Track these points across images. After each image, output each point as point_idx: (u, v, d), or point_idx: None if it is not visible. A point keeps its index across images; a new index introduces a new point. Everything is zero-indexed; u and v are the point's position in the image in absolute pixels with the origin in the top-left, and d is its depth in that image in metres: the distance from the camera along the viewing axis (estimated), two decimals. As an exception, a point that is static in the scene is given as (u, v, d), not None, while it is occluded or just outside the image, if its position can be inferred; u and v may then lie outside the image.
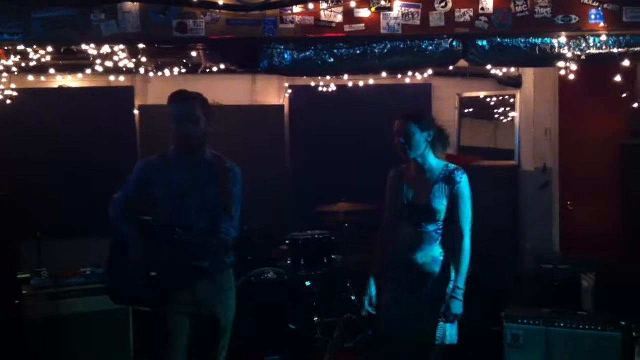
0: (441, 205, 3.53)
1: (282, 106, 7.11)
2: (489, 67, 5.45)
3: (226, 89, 6.81)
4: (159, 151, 3.56)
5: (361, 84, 6.72)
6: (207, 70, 5.99)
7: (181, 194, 3.41)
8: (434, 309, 3.52)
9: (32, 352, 4.88)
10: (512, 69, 6.09)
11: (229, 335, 3.58)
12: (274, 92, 7.16)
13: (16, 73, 5.81)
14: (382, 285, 3.75)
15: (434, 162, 3.61)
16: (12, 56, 5.25)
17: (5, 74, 5.92)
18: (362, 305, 3.72)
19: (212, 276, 3.40)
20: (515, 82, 6.40)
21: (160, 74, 6.14)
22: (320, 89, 6.86)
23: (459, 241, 3.50)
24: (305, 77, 6.61)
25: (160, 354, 3.44)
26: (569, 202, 5.50)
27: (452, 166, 3.60)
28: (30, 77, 6.08)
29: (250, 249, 5.54)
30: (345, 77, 6.38)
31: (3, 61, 5.28)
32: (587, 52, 4.16)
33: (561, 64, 4.35)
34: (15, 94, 6.19)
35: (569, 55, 4.23)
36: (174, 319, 3.43)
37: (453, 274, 3.55)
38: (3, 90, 6.17)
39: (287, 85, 7.05)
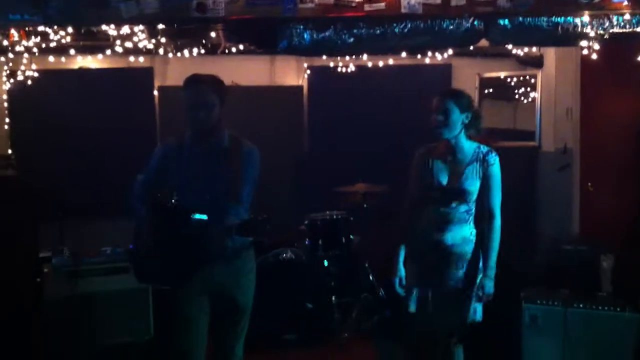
0: (473, 186, 3.56)
1: (300, 87, 7.10)
2: (510, 46, 5.40)
3: (245, 70, 6.81)
4: (178, 133, 3.56)
5: (380, 64, 6.67)
6: (226, 51, 5.98)
7: (196, 178, 3.41)
8: (464, 289, 3.57)
9: (52, 329, 4.95)
10: (534, 49, 6.03)
11: (249, 318, 3.60)
12: (293, 73, 7.14)
13: (37, 54, 5.83)
14: (407, 266, 3.76)
15: (466, 144, 3.63)
16: (33, 37, 5.28)
17: (25, 55, 5.96)
18: (391, 286, 3.70)
19: (229, 258, 3.41)
20: (536, 62, 6.34)
21: (179, 54, 6.14)
22: (339, 69, 6.83)
23: (490, 221, 3.57)
24: (324, 58, 6.58)
25: (178, 335, 3.47)
26: (589, 184, 5.44)
27: (484, 148, 3.63)
28: (51, 58, 6.11)
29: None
30: (365, 57, 6.35)
31: (24, 42, 5.31)
32: (610, 31, 4.09)
33: (584, 43, 4.29)
34: (35, 74, 6.23)
35: (592, 34, 4.16)
36: (192, 300, 3.45)
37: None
38: (24, 71, 6.21)
39: (305, 65, 7.03)
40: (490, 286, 3.54)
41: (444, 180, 3.61)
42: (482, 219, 3.62)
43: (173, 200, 3.47)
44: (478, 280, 3.54)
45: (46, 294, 5.00)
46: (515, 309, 4.60)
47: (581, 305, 4.33)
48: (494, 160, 3.59)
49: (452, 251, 3.59)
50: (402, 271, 3.70)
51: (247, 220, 3.25)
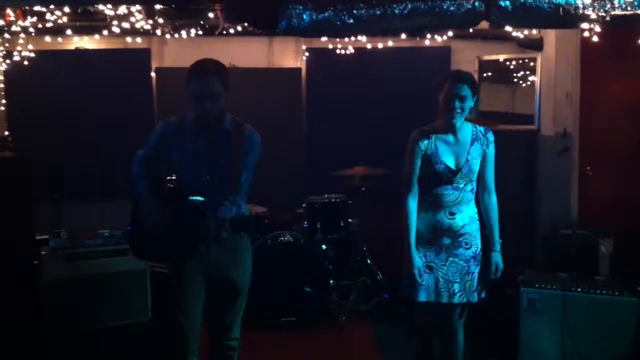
0: (477, 165, 3.64)
1: (299, 69, 7.06)
2: (510, 28, 5.35)
3: (242, 51, 6.77)
4: (181, 113, 3.52)
5: (380, 46, 6.63)
6: (224, 32, 5.94)
7: (196, 160, 3.41)
8: (473, 267, 3.66)
9: (50, 312, 4.95)
10: (534, 31, 5.99)
11: (246, 297, 3.61)
12: (291, 55, 7.10)
13: (33, 34, 5.79)
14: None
15: (464, 124, 3.67)
16: (29, 17, 5.23)
17: (22, 35, 5.91)
18: (409, 278, 3.63)
19: (225, 240, 3.36)
20: (536, 45, 6.30)
21: (177, 35, 6.10)
22: (337, 51, 6.79)
23: (492, 197, 3.73)
24: (322, 40, 6.54)
25: (175, 315, 3.46)
26: (588, 168, 5.43)
27: (480, 127, 3.70)
28: (47, 39, 6.06)
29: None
30: (364, 39, 6.31)
31: (20, 22, 5.27)
32: (612, 13, 4.04)
33: (585, 25, 4.24)
34: (32, 55, 6.18)
35: (593, 16, 4.11)
36: (188, 281, 3.46)
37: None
38: (20, 52, 6.16)
39: (304, 47, 6.99)
40: (500, 259, 3.71)
41: (452, 162, 3.62)
42: (483, 196, 3.73)
43: (170, 179, 3.46)
44: (492, 257, 3.68)
45: (44, 277, 4.99)
46: (513, 293, 4.61)
47: (579, 289, 4.33)
48: (493, 137, 3.70)
49: (463, 232, 3.65)
50: (419, 262, 3.64)
51: (242, 216, 3.31)
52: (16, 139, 5.84)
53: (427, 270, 3.64)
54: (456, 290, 3.64)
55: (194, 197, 3.28)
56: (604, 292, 4.29)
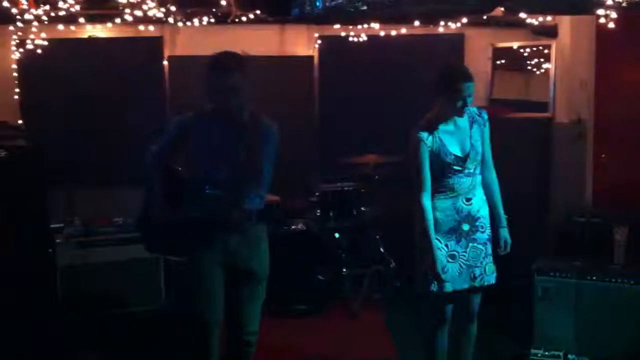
0: (480, 146, 3.66)
1: (311, 57, 7.02)
2: (524, 15, 5.30)
3: (254, 39, 6.73)
4: (196, 106, 3.52)
5: (393, 33, 6.59)
6: (237, 20, 5.92)
7: (214, 152, 3.40)
8: (489, 249, 3.71)
9: (64, 299, 4.99)
10: (548, 18, 5.93)
11: (265, 288, 3.59)
12: (303, 43, 7.06)
13: (46, 22, 5.79)
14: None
15: None
16: (42, 5, 5.23)
17: (35, 24, 5.91)
18: (432, 276, 3.59)
19: (242, 230, 3.38)
20: (550, 32, 6.23)
21: (189, 23, 6.09)
22: (350, 39, 6.75)
23: (491, 173, 3.78)
24: (335, 27, 6.50)
25: (195, 308, 3.47)
26: (603, 155, 5.39)
27: (473, 108, 3.69)
28: (60, 27, 6.06)
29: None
30: (377, 26, 6.27)
31: (32, 10, 5.27)
32: (628, -1, 4.01)
33: (600, 11, 4.20)
34: (45, 43, 6.18)
35: (609, 2, 4.07)
36: (208, 273, 3.45)
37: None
38: (33, 40, 6.16)
39: (316, 35, 6.95)
40: (508, 234, 3.76)
41: (458, 150, 3.61)
42: (484, 174, 3.74)
43: (181, 172, 3.46)
44: (500, 233, 3.74)
45: (58, 263, 5.03)
46: (526, 281, 4.59)
47: (594, 278, 4.31)
48: (486, 115, 3.73)
49: (479, 215, 3.68)
50: (443, 260, 3.61)
51: (267, 208, 3.41)
52: (29, 128, 5.86)
53: (450, 260, 3.64)
54: (477, 274, 3.67)
55: (213, 190, 3.28)
56: (619, 280, 4.27)
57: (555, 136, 6.11)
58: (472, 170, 3.63)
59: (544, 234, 5.82)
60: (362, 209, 5.80)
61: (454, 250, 3.65)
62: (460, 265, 3.65)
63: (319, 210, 5.77)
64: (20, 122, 6.15)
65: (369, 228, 5.98)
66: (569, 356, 4.35)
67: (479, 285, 3.69)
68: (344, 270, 5.61)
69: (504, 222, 3.76)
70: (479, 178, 3.68)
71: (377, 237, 5.97)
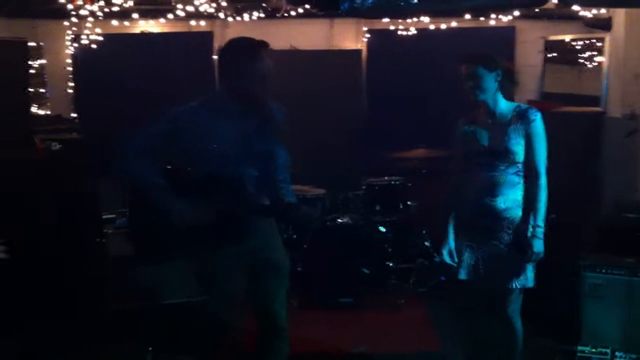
0: (518, 146, 3.50)
1: (359, 51, 7.03)
2: (577, 7, 5.21)
3: (303, 34, 6.78)
4: (199, 97, 3.41)
5: (443, 26, 6.54)
6: (286, 14, 5.96)
7: (229, 145, 3.22)
8: (514, 253, 3.54)
9: (115, 290, 5.10)
10: (602, 10, 5.80)
11: (286, 276, 3.50)
12: (352, 37, 7.07)
13: (101, 18, 5.93)
14: (457, 233, 3.73)
15: (505, 104, 3.58)
16: (97, 1, 5.36)
17: (89, 19, 6.06)
18: (440, 256, 3.70)
19: (260, 224, 3.34)
20: (604, 25, 6.10)
21: (239, 18, 6.15)
22: (399, 32, 6.72)
23: (536, 180, 3.52)
24: (384, 21, 6.49)
25: (216, 301, 3.41)
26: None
27: (524, 105, 3.59)
28: (114, 22, 6.20)
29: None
30: (427, 20, 6.23)
31: (87, 6, 5.40)
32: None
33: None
34: (99, 38, 6.33)
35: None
36: (230, 269, 3.30)
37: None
38: (88, 35, 6.32)
39: (365, 29, 6.95)
40: (539, 245, 3.50)
41: (486, 142, 3.56)
42: (528, 179, 3.56)
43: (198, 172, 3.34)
44: (531, 242, 3.49)
45: (109, 254, 5.14)
46: (573, 277, 4.51)
47: (647, 275, 4.20)
48: (535, 116, 3.50)
49: (504, 215, 3.54)
50: (452, 243, 3.66)
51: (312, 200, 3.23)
52: (83, 121, 6.00)
53: (468, 250, 3.62)
54: (499, 274, 3.57)
55: (243, 185, 3.21)
56: (673, 278, 4.16)
57: (607, 131, 5.99)
58: (501, 168, 3.52)
59: (595, 230, 5.72)
60: (409, 203, 5.78)
61: (472, 242, 3.62)
62: (479, 259, 3.60)
63: (364, 204, 5.77)
64: (74, 115, 6.30)
65: (414, 222, 5.95)
66: (617, 353, 4.25)
67: (497, 287, 3.60)
68: (389, 263, 5.60)
69: (538, 232, 3.49)
70: (512, 178, 3.53)
71: (423, 231, 5.94)
